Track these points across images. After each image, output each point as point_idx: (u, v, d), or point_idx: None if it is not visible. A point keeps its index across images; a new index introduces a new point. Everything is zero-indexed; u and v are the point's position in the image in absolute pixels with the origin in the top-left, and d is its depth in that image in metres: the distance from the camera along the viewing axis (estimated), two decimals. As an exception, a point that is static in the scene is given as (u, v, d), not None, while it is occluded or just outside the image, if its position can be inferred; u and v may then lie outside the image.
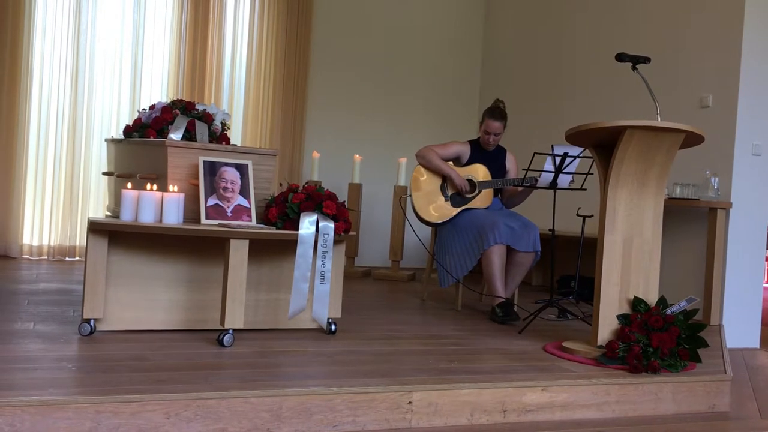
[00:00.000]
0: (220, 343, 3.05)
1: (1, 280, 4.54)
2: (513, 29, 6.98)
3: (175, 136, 3.44)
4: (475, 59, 7.43)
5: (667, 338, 3.09)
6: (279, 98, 6.55)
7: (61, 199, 5.91)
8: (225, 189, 3.24)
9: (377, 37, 7.00)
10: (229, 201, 3.24)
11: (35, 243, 5.88)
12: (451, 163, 4.55)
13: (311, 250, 3.22)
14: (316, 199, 3.28)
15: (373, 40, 6.98)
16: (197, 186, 3.24)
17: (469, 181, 4.50)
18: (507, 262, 4.26)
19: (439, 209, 4.48)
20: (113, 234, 3.13)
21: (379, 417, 2.54)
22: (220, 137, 3.67)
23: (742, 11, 4.46)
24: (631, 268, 3.27)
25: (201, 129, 3.54)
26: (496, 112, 4.48)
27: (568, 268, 5.78)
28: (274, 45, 6.54)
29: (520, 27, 6.87)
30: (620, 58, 3.51)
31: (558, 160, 4.12)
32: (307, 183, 3.46)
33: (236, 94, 6.47)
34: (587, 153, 4.02)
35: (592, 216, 4.74)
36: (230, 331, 3.07)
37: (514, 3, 7.02)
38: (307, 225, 3.21)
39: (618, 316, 3.24)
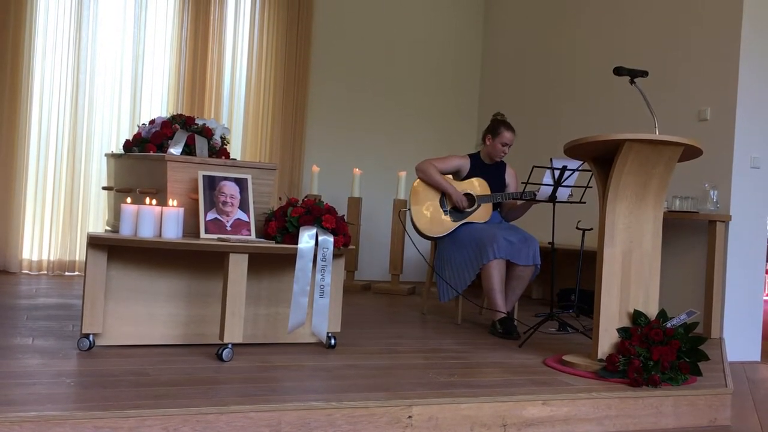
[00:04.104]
0: (220, 357, 3.04)
1: (0, 295, 4.53)
2: (512, 43, 7.02)
3: (175, 150, 3.44)
4: (474, 73, 7.46)
5: (668, 351, 3.08)
6: (278, 112, 6.57)
7: (61, 214, 5.91)
8: (224, 203, 3.25)
9: (377, 51, 7.03)
10: (228, 215, 3.24)
11: (35, 258, 5.88)
12: (450, 177, 4.56)
13: (310, 264, 3.22)
14: (316, 213, 3.28)
15: (372, 54, 7.01)
16: (197, 200, 3.24)
17: (468, 195, 4.50)
18: (507, 276, 4.26)
19: (439, 223, 4.48)
20: (113, 248, 3.13)
21: (378, 431, 2.53)
22: (219, 152, 3.68)
23: (739, 24, 4.49)
24: (631, 281, 3.27)
25: (200, 143, 3.55)
26: (509, 123, 4.54)
27: (568, 282, 5.77)
28: (274, 59, 6.57)
29: (519, 40, 6.90)
30: (618, 71, 3.52)
31: (557, 173, 4.13)
32: (306, 197, 3.47)
33: (236, 109, 6.49)
34: (586, 166, 4.03)
35: (591, 229, 4.74)
36: (229, 346, 3.07)
37: (512, 16, 7.06)
38: (306, 239, 3.21)
39: (618, 330, 3.23)
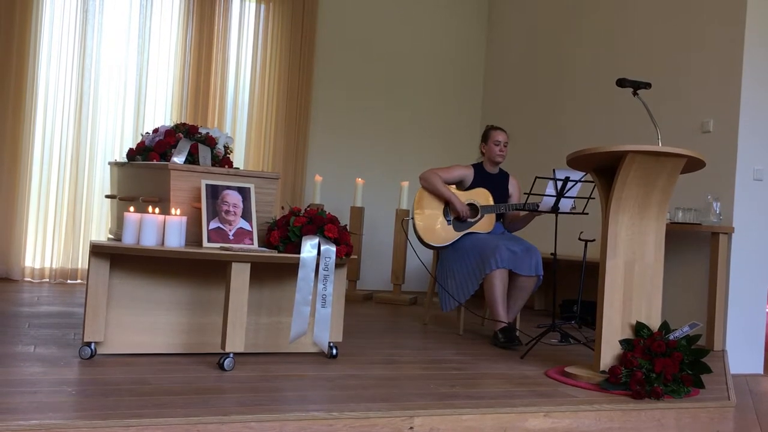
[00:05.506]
0: (221, 366, 3.04)
1: (2, 303, 4.54)
2: (515, 53, 7.03)
3: (178, 159, 3.45)
4: (477, 84, 7.47)
5: (670, 364, 3.07)
6: (282, 122, 6.58)
7: (64, 222, 5.92)
8: (227, 212, 3.25)
9: (380, 61, 7.05)
10: (231, 224, 3.25)
11: (37, 265, 5.88)
12: (453, 186, 4.56)
13: (313, 274, 3.22)
14: (318, 223, 3.28)
15: (376, 64, 7.04)
16: (199, 209, 3.25)
17: (472, 205, 4.51)
18: (509, 286, 4.25)
19: (441, 232, 4.48)
20: (115, 257, 3.13)
21: (380, 442, 2.52)
22: (222, 161, 3.69)
23: (742, 36, 4.49)
24: (633, 292, 3.26)
25: (204, 152, 3.56)
26: (496, 125, 4.66)
27: (570, 293, 5.76)
28: (277, 69, 6.59)
29: (522, 51, 6.92)
30: (621, 83, 3.53)
31: (559, 184, 4.13)
32: (309, 206, 3.47)
33: (239, 118, 6.51)
34: (589, 177, 4.03)
35: (594, 240, 4.74)
36: (231, 355, 3.06)
37: (515, 27, 7.08)
38: (308, 248, 3.21)
39: (620, 341, 3.22)
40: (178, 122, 3.85)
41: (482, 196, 4.53)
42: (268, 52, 6.58)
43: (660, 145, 3.23)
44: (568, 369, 3.36)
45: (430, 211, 4.51)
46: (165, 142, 3.55)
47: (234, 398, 2.61)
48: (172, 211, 3.20)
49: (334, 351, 3.45)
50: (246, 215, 3.29)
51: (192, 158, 3.53)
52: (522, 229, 4.68)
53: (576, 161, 3.30)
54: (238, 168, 3.61)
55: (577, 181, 4.13)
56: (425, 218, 4.50)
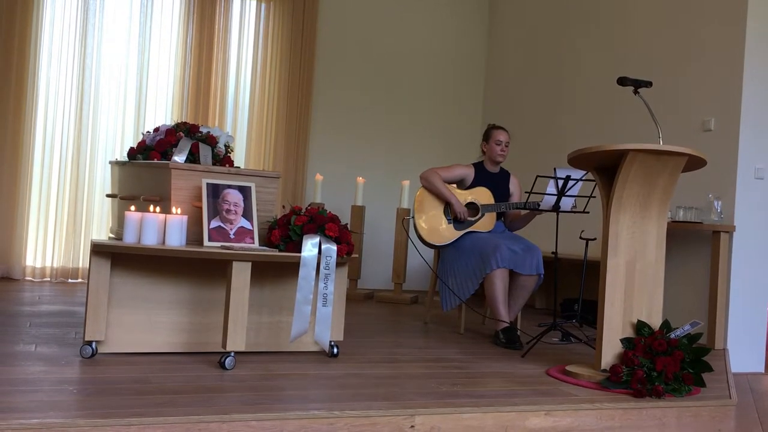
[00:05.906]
0: (222, 365, 3.04)
1: (3, 302, 4.54)
2: (516, 53, 7.03)
3: (179, 158, 3.45)
4: (478, 83, 7.47)
5: (671, 362, 3.07)
6: (282, 121, 6.58)
7: (65, 221, 5.92)
8: (228, 211, 3.25)
9: (381, 60, 7.05)
10: (231, 223, 3.25)
11: (38, 265, 5.88)
12: (454, 185, 4.56)
13: (314, 273, 3.22)
14: (319, 222, 3.28)
15: (376, 63, 7.03)
16: (200, 208, 3.25)
17: (472, 204, 4.50)
18: (510, 286, 4.25)
19: (442, 231, 4.48)
20: (116, 256, 3.13)
21: (381, 441, 2.52)
22: (223, 160, 3.69)
23: (743, 35, 4.49)
24: (635, 291, 3.26)
25: (204, 151, 3.56)
26: (497, 125, 4.66)
27: (571, 291, 5.76)
28: (278, 68, 6.59)
29: (523, 50, 6.92)
30: (622, 82, 3.53)
31: (560, 182, 4.12)
32: (309, 205, 3.47)
33: (240, 117, 6.50)
34: (590, 176, 4.03)
35: (595, 239, 4.74)
36: (232, 354, 3.06)
37: (516, 26, 7.07)
38: (309, 247, 3.21)
39: (622, 340, 3.22)
40: (179, 121, 3.85)
41: (483, 195, 4.53)
42: (269, 51, 6.58)
43: (661, 143, 3.23)
44: (569, 368, 3.36)
45: (430, 210, 4.51)
46: (166, 141, 3.55)
47: (235, 397, 2.61)
48: (173, 210, 3.20)
49: (335, 350, 3.45)
50: (247, 214, 3.29)
51: (193, 157, 3.53)
52: (523, 228, 4.67)
53: (577, 160, 3.30)
54: (238, 167, 3.61)
55: (578, 180, 4.13)
56: (426, 217, 4.50)
